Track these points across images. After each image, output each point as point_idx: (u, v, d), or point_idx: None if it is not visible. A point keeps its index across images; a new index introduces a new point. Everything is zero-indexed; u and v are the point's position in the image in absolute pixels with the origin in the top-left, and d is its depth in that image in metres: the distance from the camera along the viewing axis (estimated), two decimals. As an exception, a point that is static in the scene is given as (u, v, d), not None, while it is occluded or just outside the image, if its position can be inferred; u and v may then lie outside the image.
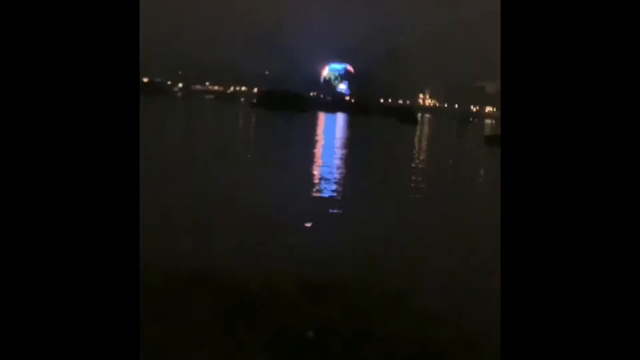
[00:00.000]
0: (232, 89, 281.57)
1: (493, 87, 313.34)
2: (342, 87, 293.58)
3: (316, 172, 31.92)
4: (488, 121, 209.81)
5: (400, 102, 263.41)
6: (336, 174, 31.09)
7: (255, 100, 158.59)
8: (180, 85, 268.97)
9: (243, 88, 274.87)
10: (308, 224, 17.54)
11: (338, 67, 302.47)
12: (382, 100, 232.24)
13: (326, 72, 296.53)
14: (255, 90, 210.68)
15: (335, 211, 20.66)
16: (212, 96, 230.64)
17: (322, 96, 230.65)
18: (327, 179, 28.58)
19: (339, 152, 47.34)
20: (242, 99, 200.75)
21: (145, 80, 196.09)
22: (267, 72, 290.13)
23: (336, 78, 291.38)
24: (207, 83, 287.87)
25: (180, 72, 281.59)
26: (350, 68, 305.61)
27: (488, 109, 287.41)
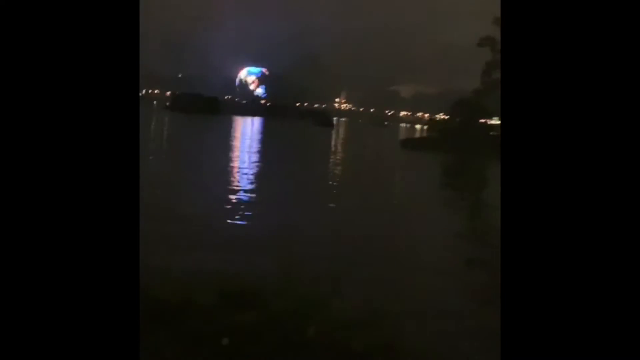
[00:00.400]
0: (143, 91, 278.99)
1: (407, 90, 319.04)
2: (259, 90, 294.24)
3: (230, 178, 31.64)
4: (403, 124, 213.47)
5: (316, 105, 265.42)
6: (248, 180, 31.04)
7: (168, 104, 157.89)
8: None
9: (156, 91, 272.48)
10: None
11: (255, 70, 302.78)
12: (297, 104, 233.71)
13: (243, 75, 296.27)
14: (169, 93, 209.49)
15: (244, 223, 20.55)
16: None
17: (237, 99, 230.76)
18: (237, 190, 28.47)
19: (254, 156, 47.38)
20: (155, 102, 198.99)
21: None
22: (180, 75, 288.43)
23: (253, 82, 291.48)
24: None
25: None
26: (265, 71, 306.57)
27: (403, 112, 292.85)
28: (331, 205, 25.35)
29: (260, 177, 32.97)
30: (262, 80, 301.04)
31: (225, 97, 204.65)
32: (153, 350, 5.34)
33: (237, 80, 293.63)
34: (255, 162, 42.79)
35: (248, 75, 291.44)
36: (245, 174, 33.67)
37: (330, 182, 34.16)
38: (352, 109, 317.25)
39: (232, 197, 24.54)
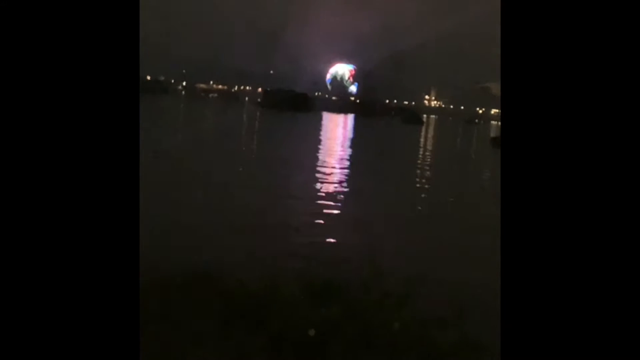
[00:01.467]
0: (235, 87, 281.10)
1: (498, 88, 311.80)
2: (353, 88, 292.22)
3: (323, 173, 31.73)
4: (494, 122, 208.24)
5: (406, 103, 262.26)
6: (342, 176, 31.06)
7: (260, 100, 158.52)
8: (183, 83, 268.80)
9: (248, 87, 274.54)
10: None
11: (349, 67, 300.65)
12: (387, 101, 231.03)
13: (335, 71, 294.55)
14: (260, 90, 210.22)
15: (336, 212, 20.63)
16: (215, 95, 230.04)
17: (326, 96, 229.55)
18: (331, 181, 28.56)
19: (346, 152, 47.23)
20: (247, 98, 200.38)
21: (148, 78, 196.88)
22: (271, 72, 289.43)
23: (349, 77, 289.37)
24: (211, 82, 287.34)
25: (183, 71, 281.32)
26: (354, 69, 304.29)
27: (494, 110, 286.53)
28: (419, 208, 25.13)
29: (352, 173, 32.86)
30: (355, 77, 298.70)
31: (316, 94, 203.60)
32: (235, 344, 5.53)
33: (329, 76, 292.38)
34: (348, 158, 42.69)
35: (341, 71, 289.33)
36: (335, 167, 33.53)
37: (418, 180, 33.82)
38: (442, 106, 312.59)
39: (326, 193, 24.61)
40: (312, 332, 5.63)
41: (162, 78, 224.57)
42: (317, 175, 30.39)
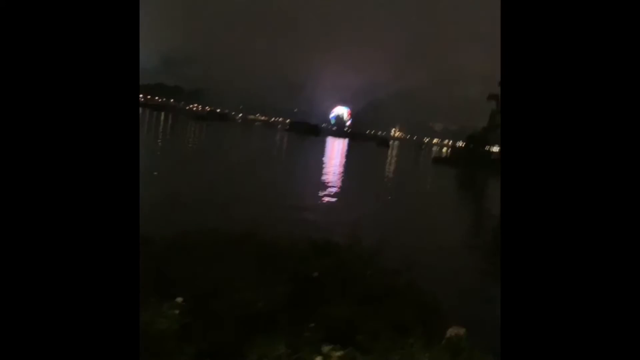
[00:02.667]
0: (273, 119, 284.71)
1: (438, 126, 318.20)
2: (348, 122, 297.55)
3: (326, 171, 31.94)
4: (435, 148, 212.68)
5: (380, 132, 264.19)
6: (337, 175, 31.27)
7: (287, 127, 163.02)
8: (240, 114, 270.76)
9: (280, 119, 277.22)
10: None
11: (346, 108, 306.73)
12: (367, 131, 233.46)
13: (336, 111, 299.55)
14: (288, 120, 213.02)
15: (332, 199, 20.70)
16: (259, 123, 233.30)
17: (330, 127, 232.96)
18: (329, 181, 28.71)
19: (342, 160, 47.66)
20: (279, 126, 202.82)
21: (218, 110, 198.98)
22: (295, 110, 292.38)
23: (347, 115, 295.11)
24: (257, 114, 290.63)
25: (241, 106, 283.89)
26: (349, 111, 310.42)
27: (435, 140, 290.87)
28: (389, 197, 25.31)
29: (344, 174, 33.22)
30: (350, 115, 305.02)
31: (323, 125, 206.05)
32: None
33: (333, 114, 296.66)
34: (341, 167, 43.00)
35: (342, 111, 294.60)
36: (334, 172, 33.89)
37: (386, 181, 34.01)
38: (402, 136, 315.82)
39: (325, 184, 24.75)
40: (315, 274, 5.62)
41: (227, 110, 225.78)
42: (323, 171, 30.47)
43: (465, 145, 74.48)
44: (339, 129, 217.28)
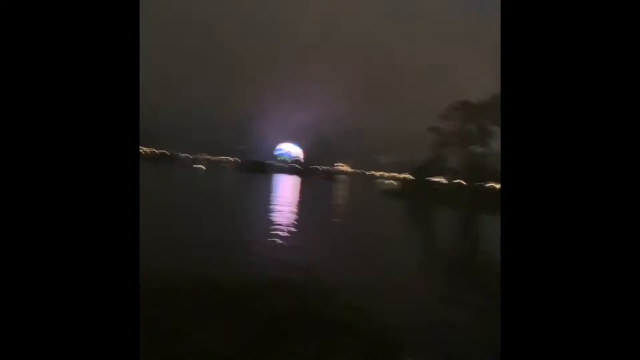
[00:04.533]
0: (221, 157, 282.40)
1: (385, 160, 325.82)
2: (297, 159, 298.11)
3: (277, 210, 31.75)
4: (384, 181, 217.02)
5: (326, 167, 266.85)
6: (286, 213, 31.15)
7: (236, 166, 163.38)
8: (188, 155, 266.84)
9: (227, 157, 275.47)
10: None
11: (295, 144, 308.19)
12: (316, 167, 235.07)
13: (287, 148, 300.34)
14: (235, 159, 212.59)
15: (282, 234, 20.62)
16: (207, 162, 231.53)
17: (276, 164, 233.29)
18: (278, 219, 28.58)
19: (292, 196, 47.58)
20: (228, 165, 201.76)
21: (163, 151, 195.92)
22: (243, 148, 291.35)
23: (293, 154, 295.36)
24: (204, 154, 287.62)
25: (186, 147, 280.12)
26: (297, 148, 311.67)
27: (382, 173, 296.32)
28: (335, 235, 25.38)
29: (296, 211, 33.09)
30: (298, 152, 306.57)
31: (270, 162, 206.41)
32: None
33: (282, 151, 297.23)
34: (292, 204, 42.83)
35: (290, 149, 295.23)
36: (285, 209, 33.74)
37: (334, 218, 34.14)
38: (350, 170, 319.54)
39: (277, 222, 24.59)
40: (273, 314, 5.64)
41: (173, 152, 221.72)
42: (274, 209, 30.30)
43: (413, 178, 76.63)
44: (288, 166, 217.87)
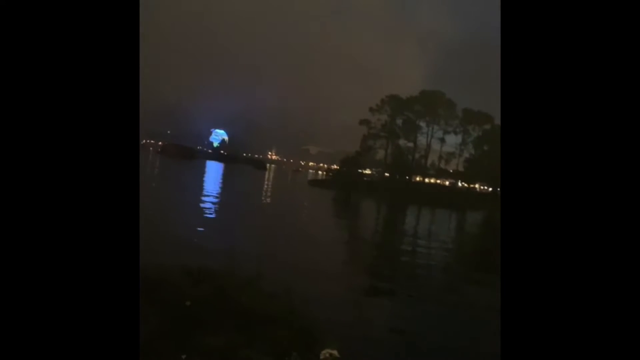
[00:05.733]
0: (144, 141, 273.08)
1: (314, 149, 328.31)
2: (224, 145, 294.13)
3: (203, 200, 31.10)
4: (311, 171, 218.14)
5: (256, 155, 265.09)
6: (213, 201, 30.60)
7: (159, 150, 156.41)
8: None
9: (151, 141, 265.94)
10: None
11: (223, 132, 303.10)
12: (244, 154, 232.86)
13: (215, 134, 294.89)
14: (160, 143, 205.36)
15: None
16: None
17: (204, 149, 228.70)
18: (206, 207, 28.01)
19: (218, 183, 46.78)
20: (151, 149, 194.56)
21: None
22: (169, 132, 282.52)
23: (221, 140, 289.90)
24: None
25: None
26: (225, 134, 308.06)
27: (311, 163, 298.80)
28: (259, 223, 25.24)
29: (220, 198, 32.59)
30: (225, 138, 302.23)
31: (198, 147, 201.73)
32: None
33: (210, 136, 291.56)
34: (217, 191, 42.08)
35: (218, 134, 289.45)
36: (209, 196, 33.13)
37: (263, 202, 34.00)
38: (279, 159, 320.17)
39: (204, 209, 24.07)
40: (188, 303, 5.44)
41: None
42: (198, 196, 29.66)
43: (339, 167, 77.64)
44: (215, 152, 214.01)
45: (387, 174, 79.76)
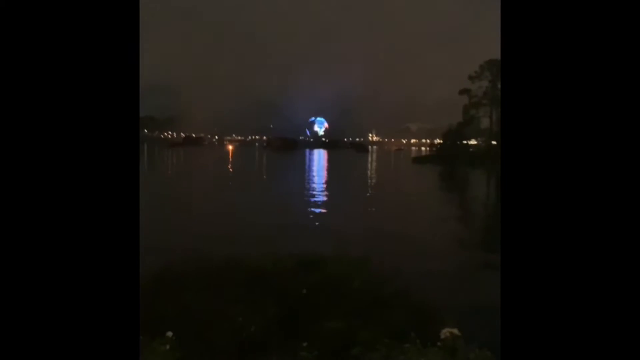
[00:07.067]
0: (250, 137, 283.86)
1: (414, 127, 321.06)
2: (324, 133, 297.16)
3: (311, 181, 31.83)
4: (414, 148, 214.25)
5: (357, 139, 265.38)
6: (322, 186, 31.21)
7: (265, 144, 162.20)
8: (216, 137, 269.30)
9: (256, 137, 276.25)
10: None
11: (322, 120, 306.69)
12: (344, 139, 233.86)
13: (317, 123, 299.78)
14: (265, 138, 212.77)
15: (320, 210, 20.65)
16: (237, 144, 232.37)
17: (305, 139, 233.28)
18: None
19: (322, 170, 47.64)
20: (257, 144, 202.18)
21: (194, 135, 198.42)
22: (271, 126, 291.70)
23: (321, 128, 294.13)
24: (233, 135, 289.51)
25: (215, 128, 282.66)
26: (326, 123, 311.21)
27: (413, 140, 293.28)
28: (370, 205, 25.26)
29: (326, 185, 33.16)
30: (325, 126, 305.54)
31: (300, 138, 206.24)
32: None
33: (309, 126, 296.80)
34: (322, 177, 42.90)
35: (318, 123, 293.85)
36: (315, 184, 33.84)
37: (369, 186, 34.05)
38: (380, 140, 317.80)
39: (308, 197, 24.65)
40: (304, 291, 5.57)
41: (202, 135, 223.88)
42: (304, 184, 30.42)
43: (442, 141, 75.45)
44: (316, 140, 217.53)
45: (494, 142, 76.21)
